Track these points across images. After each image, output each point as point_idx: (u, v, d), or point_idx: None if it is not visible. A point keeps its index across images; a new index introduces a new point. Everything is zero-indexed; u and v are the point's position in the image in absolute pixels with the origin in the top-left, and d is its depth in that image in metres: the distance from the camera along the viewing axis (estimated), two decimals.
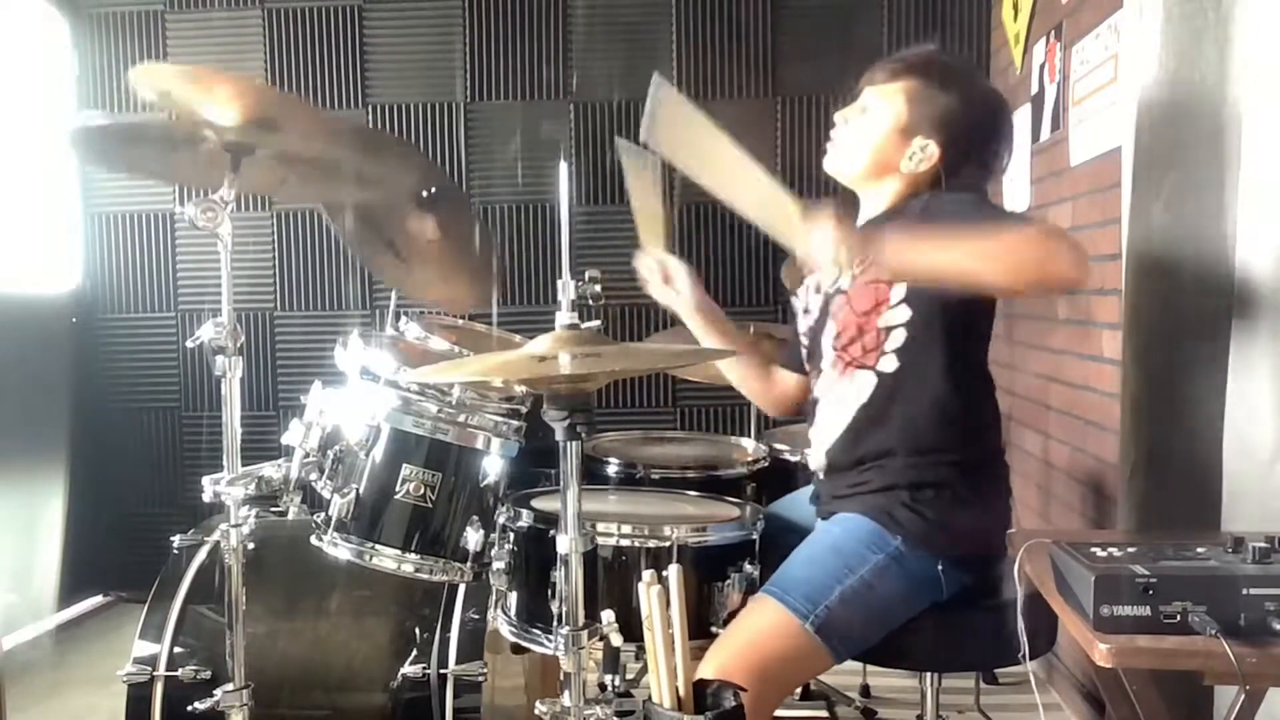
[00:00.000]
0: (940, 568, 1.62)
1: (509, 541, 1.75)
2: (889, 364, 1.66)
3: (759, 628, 1.56)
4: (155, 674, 1.84)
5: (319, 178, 1.89)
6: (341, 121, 1.94)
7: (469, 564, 1.78)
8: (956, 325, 1.63)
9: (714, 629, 1.66)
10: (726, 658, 1.53)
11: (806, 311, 1.85)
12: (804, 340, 1.85)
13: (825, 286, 1.78)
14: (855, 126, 1.74)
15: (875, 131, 1.71)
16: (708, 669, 1.50)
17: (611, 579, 1.66)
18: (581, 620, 1.49)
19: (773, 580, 1.61)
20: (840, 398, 1.72)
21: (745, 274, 3.64)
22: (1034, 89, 2.95)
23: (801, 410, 1.96)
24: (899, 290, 1.64)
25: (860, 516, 1.65)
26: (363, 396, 1.81)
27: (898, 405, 1.66)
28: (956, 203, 1.62)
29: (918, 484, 1.64)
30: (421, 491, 1.76)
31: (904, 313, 1.64)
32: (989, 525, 1.66)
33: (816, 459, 1.80)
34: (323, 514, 1.79)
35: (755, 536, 1.74)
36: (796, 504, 1.94)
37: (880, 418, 1.67)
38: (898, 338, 1.65)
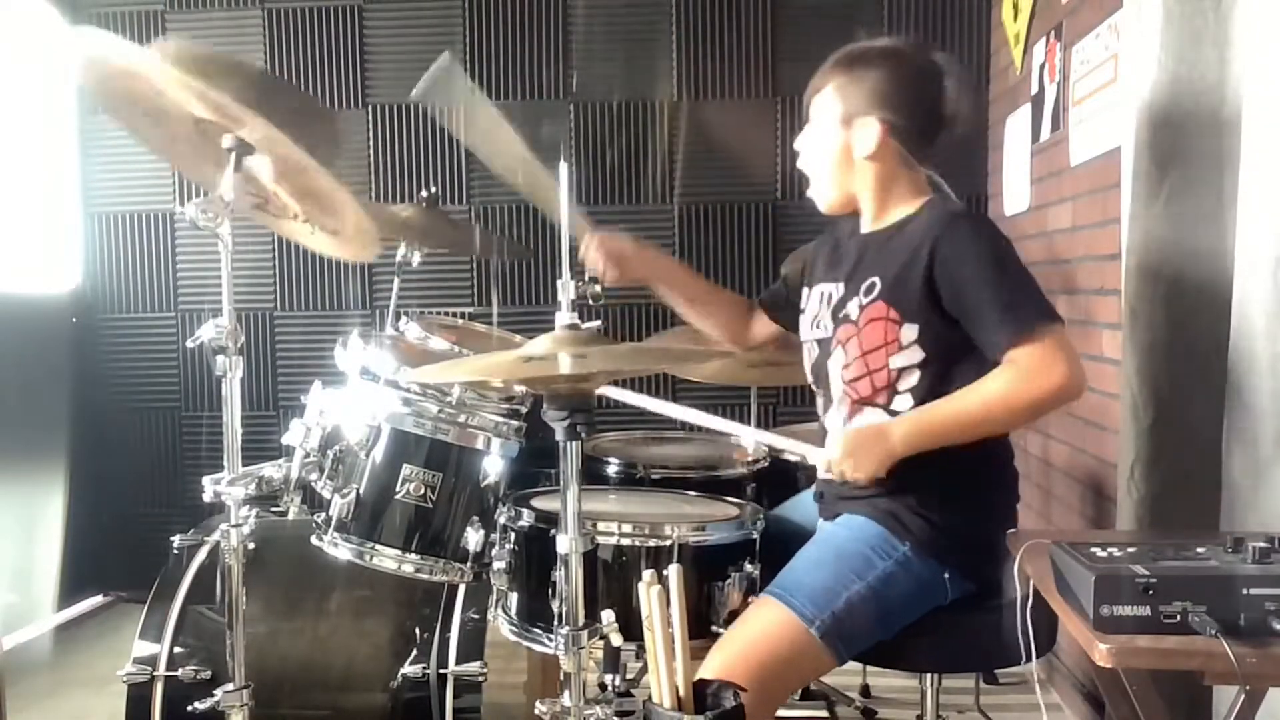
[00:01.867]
0: (946, 575, 1.61)
1: (509, 541, 1.75)
2: (904, 403, 1.64)
3: (763, 629, 1.56)
4: (155, 674, 1.84)
5: (299, 211, 1.86)
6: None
7: (469, 564, 1.79)
8: (972, 360, 1.60)
9: (714, 628, 1.66)
10: (729, 658, 1.53)
11: (816, 322, 1.79)
12: (809, 351, 1.81)
13: (835, 308, 1.75)
14: (808, 142, 1.79)
15: (822, 135, 1.75)
16: (709, 668, 1.50)
17: (611, 579, 1.66)
18: (581, 620, 1.49)
19: (778, 582, 1.61)
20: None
21: (745, 274, 3.64)
22: (1034, 89, 2.95)
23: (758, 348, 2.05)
24: (910, 331, 1.62)
25: (867, 520, 1.64)
26: (363, 396, 1.81)
27: None
28: (962, 258, 1.59)
29: (927, 490, 1.61)
30: (422, 491, 1.76)
31: (917, 354, 1.62)
32: (997, 533, 1.62)
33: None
34: (323, 514, 1.79)
35: (755, 536, 1.74)
36: (799, 505, 1.94)
37: None
38: (911, 378, 1.63)
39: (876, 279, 1.67)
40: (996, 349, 1.55)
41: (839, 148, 1.72)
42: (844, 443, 1.60)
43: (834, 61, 1.76)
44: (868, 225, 1.76)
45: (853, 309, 1.70)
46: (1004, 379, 1.54)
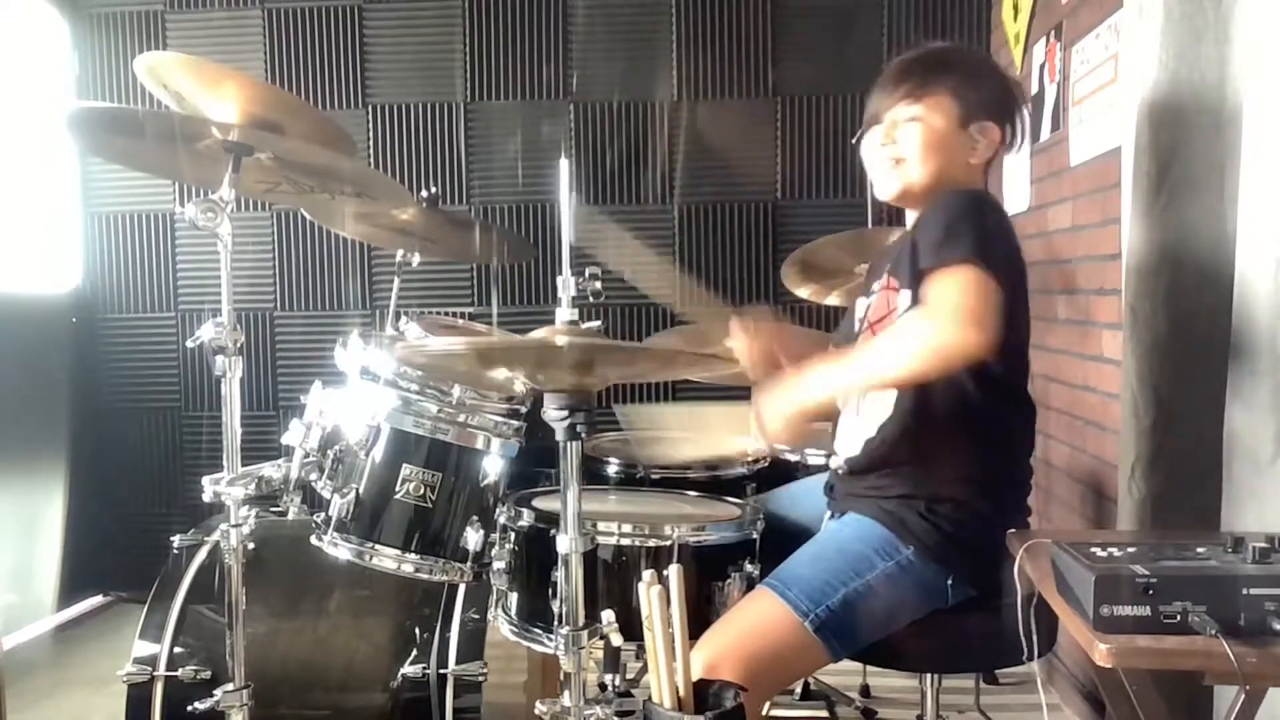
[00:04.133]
0: (950, 581, 1.60)
1: (509, 541, 1.75)
2: None
3: (756, 619, 1.55)
4: (155, 674, 1.84)
5: (313, 184, 1.88)
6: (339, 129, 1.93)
7: (469, 564, 1.79)
8: None
9: None
10: (720, 647, 1.51)
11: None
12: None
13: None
14: (908, 138, 1.67)
15: (933, 134, 1.66)
16: (700, 656, 1.49)
17: (611, 579, 1.66)
18: (581, 620, 1.49)
19: (775, 574, 1.60)
20: (862, 412, 1.70)
21: (745, 274, 3.64)
22: (1034, 89, 2.95)
23: None
24: (905, 298, 1.61)
25: (873, 522, 1.63)
26: (363, 396, 1.81)
27: (920, 421, 1.61)
28: (932, 211, 1.59)
29: (936, 496, 1.60)
30: (421, 491, 1.76)
31: None
32: (1004, 544, 1.58)
33: (836, 460, 1.78)
34: (323, 514, 1.79)
35: (755, 536, 1.73)
36: (795, 499, 1.93)
37: (903, 434, 1.63)
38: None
39: (893, 260, 1.69)
40: (921, 278, 1.51)
41: (951, 147, 1.67)
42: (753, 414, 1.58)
43: (938, 61, 1.71)
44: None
45: (876, 284, 1.72)
46: (908, 320, 1.50)
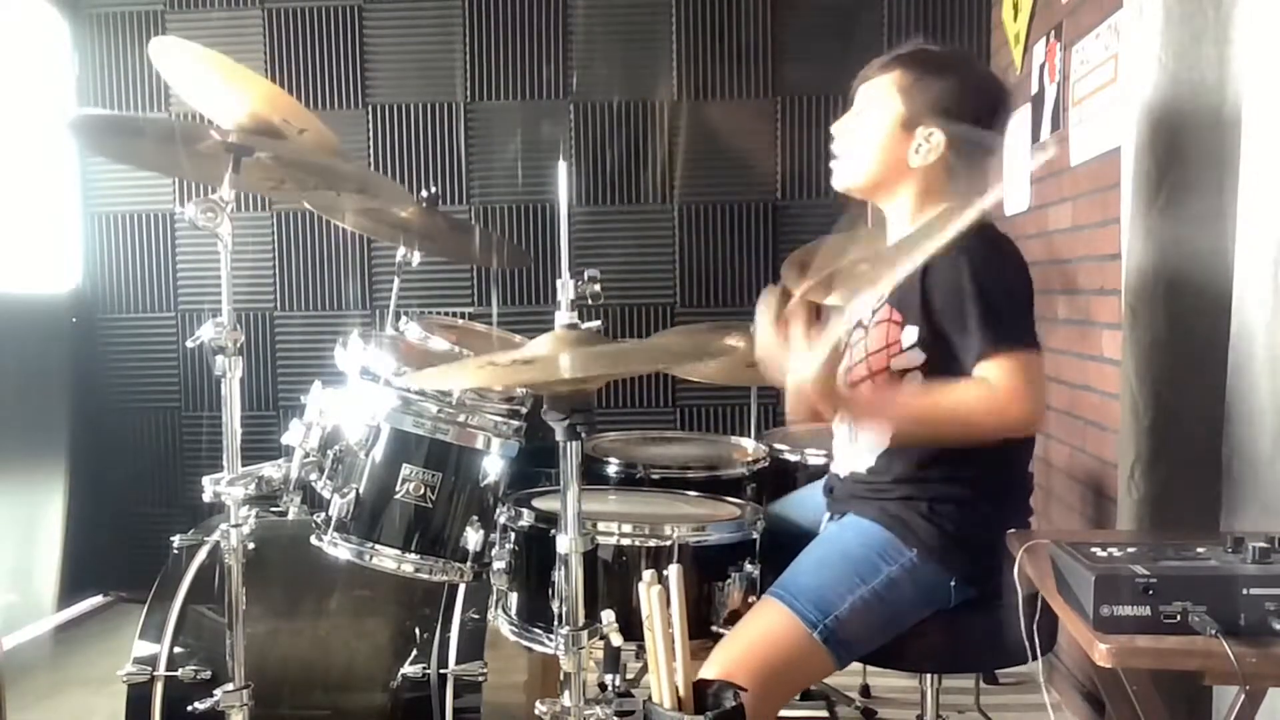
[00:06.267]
0: (952, 582, 1.60)
1: (509, 541, 1.75)
2: None
3: (765, 631, 1.55)
4: (155, 674, 1.84)
5: (316, 182, 1.89)
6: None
7: (469, 564, 1.79)
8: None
9: (714, 629, 1.66)
10: (731, 659, 1.52)
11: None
12: None
13: (858, 316, 1.73)
14: (853, 130, 1.72)
15: (876, 130, 1.68)
16: (712, 669, 1.50)
17: (611, 579, 1.66)
18: (581, 620, 1.49)
19: (781, 583, 1.60)
20: (858, 437, 1.70)
21: (745, 274, 3.64)
22: (1034, 89, 2.95)
23: None
24: (910, 334, 1.60)
25: (875, 524, 1.62)
26: (363, 396, 1.81)
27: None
28: (954, 281, 1.55)
29: (938, 498, 1.60)
30: (421, 491, 1.76)
31: (918, 356, 1.60)
32: (1005, 545, 1.59)
33: (839, 467, 1.77)
34: (323, 514, 1.79)
35: (755, 536, 1.74)
36: (799, 504, 1.94)
37: (902, 455, 1.64)
38: (914, 382, 1.61)
39: (898, 293, 1.66)
40: (970, 358, 1.53)
41: (892, 146, 1.67)
42: (793, 388, 1.53)
43: (897, 57, 1.70)
44: (898, 232, 1.73)
45: (866, 313, 1.70)
46: (975, 392, 1.51)
